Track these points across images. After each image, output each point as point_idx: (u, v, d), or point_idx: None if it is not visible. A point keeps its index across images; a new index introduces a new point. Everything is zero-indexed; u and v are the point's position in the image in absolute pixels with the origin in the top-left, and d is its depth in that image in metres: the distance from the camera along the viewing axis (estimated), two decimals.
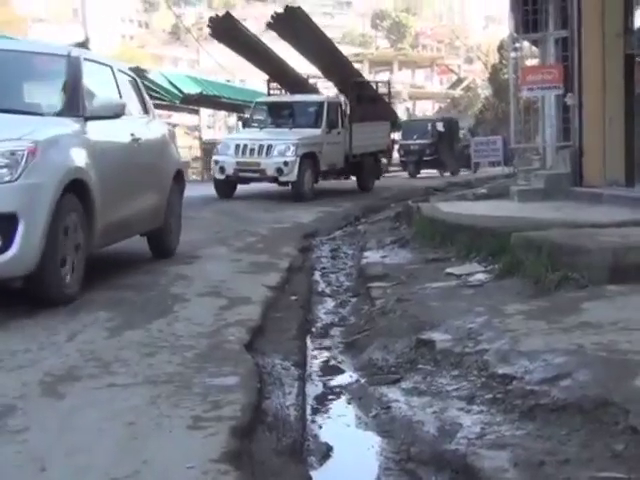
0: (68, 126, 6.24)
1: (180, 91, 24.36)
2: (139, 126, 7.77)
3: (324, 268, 9.23)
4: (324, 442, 3.80)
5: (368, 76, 61.64)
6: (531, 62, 16.54)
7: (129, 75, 8.19)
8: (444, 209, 10.67)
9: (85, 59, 6.97)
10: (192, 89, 25.26)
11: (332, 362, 5.37)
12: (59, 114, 6.38)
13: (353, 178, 21.14)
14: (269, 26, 20.13)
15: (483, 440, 3.46)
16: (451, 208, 10.83)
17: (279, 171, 16.66)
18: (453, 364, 4.59)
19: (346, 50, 70.88)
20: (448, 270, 7.47)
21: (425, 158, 29.45)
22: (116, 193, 6.76)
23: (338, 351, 5.61)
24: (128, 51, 58.78)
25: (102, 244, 6.78)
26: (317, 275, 8.78)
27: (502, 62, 40.99)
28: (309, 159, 17.24)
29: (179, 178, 8.64)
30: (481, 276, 7.05)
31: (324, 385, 4.82)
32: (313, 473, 3.45)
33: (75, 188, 5.85)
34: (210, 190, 17.26)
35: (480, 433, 3.55)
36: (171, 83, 24.15)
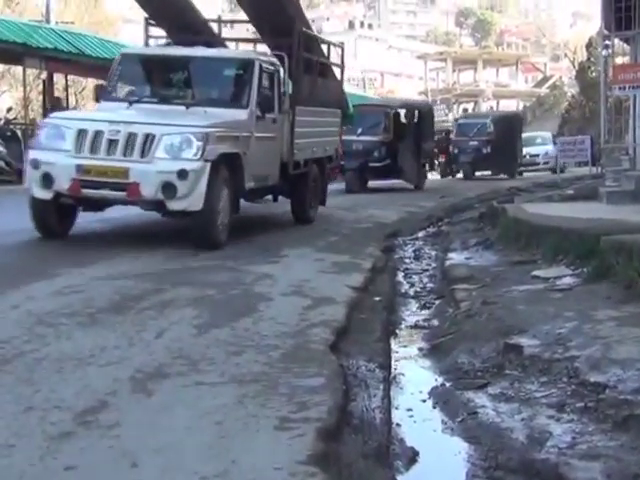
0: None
1: None
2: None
3: (407, 269, 9.18)
4: (410, 446, 3.77)
5: (451, 76, 61.51)
6: (622, 60, 16.15)
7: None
8: (529, 210, 10.50)
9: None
10: None
11: (417, 365, 5.33)
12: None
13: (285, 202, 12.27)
14: None
15: (574, 450, 3.38)
16: (537, 209, 10.65)
17: (167, 189, 8.27)
18: (542, 370, 4.50)
19: (430, 48, 70.76)
20: (534, 273, 7.34)
21: (373, 164, 20.33)
22: None
23: (423, 354, 5.57)
24: None
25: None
26: (400, 276, 8.74)
27: (590, 60, 40.18)
28: (226, 167, 8.90)
29: None
30: (569, 280, 6.89)
31: (409, 388, 4.79)
32: (399, 478, 3.43)
33: None
34: None
35: (571, 443, 3.47)
36: None
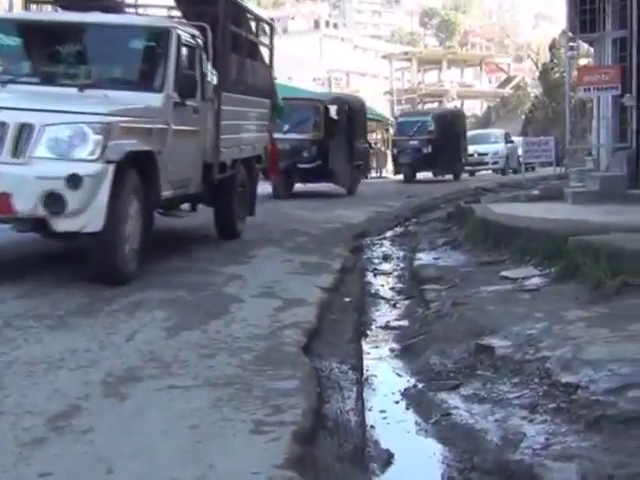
0: None
1: None
2: None
3: (376, 269, 9.20)
4: (385, 449, 3.77)
5: (416, 76, 61.85)
6: (584, 61, 16.35)
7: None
8: (496, 210, 10.56)
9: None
10: None
11: (389, 366, 5.34)
12: None
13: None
14: None
15: (549, 451, 3.41)
16: (503, 210, 10.71)
17: (52, 203, 6.14)
18: (513, 371, 4.54)
19: (395, 48, 70.98)
20: (503, 273, 7.39)
21: (302, 165, 17.68)
22: None
23: (394, 355, 5.58)
24: None
25: None
26: (369, 276, 8.75)
27: (553, 61, 40.60)
28: (136, 171, 6.85)
29: None
30: (537, 280, 6.95)
31: (382, 390, 4.79)
32: None
33: None
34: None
35: (545, 443, 3.50)
36: None
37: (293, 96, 19.34)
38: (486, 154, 30.94)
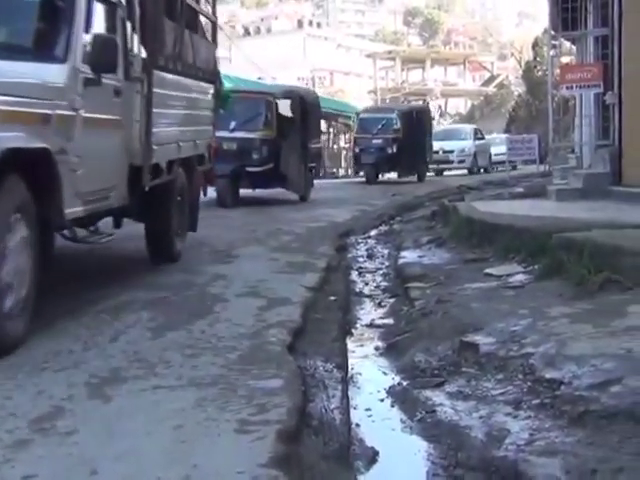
0: None
1: None
2: None
3: (361, 268, 9.21)
4: (370, 446, 3.78)
5: (400, 75, 61.98)
6: (567, 59, 16.43)
7: None
8: (481, 208, 10.59)
9: None
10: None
11: (374, 364, 5.35)
12: None
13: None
14: None
15: (533, 446, 3.42)
16: (488, 207, 10.75)
17: None
18: (498, 368, 4.55)
19: (378, 47, 70.98)
20: (487, 270, 7.41)
21: (251, 169, 15.09)
22: None
23: (379, 353, 5.59)
24: None
25: None
26: (354, 275, 8.76)
27: (536, 59, 40.72)
28: (23, 179, 4.73)
29: None
30: (521, 277, 6.98)
31: (367, 388, 4.80)
32: (361, 478, 3.44)
33: None
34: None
35: (529, 439, 3.51)
36: None
37: (241, 88, 17.25)
38: (452, 151, 28.45)
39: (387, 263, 9.52)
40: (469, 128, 31.64)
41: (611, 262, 6.13)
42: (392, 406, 4.44)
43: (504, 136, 35.00)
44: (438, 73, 65.07)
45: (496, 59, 72.02)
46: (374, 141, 23.34)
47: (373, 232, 12.75)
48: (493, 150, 30.15)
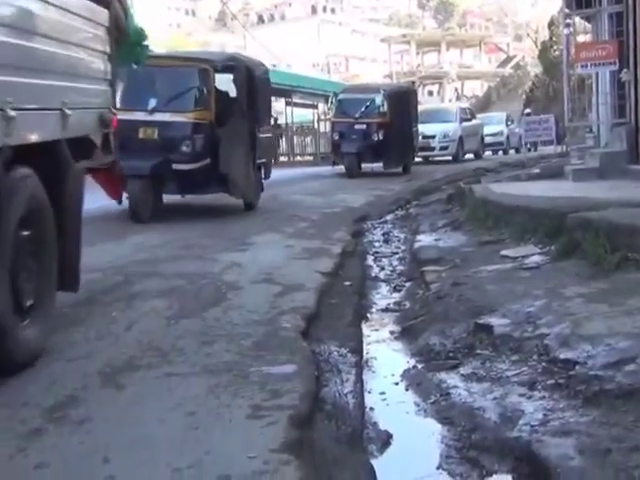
0: None
1: None
2: None
3: (377, 252, 9.19)
4: (384, 430, 3.77)
5: (415, 59, 61.65)
6: (583, 38, 16.26)
7: None
8: (497, 190, 10.54)
9: None
10: None
11: (388, 348, 5.34)
12: None
13: None
14: None
15: (547, 427, 3.40)
16: (504, 189, 10.69)
17: None
18: (512, 349, 4.53)
19: (393, 31, 70.61)
20: (503, 252, 7.37)
21: (179, 166, 10.69)
22: None
23: (394, 337, 5.57)
24: (176, 39, 59.16)
25: None
26: (370, 260, 8.74)
27: (552, 39, 40.40)
28: None
29: None
30: (537, 258, 6.93)
31: (381, 372, 4.79)
32: (374, 461, 3.42)
33: None
34: None
35: (543, 420, 3.49)
36: None
37: (165, 54, 13.34)
38: (432, 137, 24.20)
39: (403, 247, 9.49)
40: (454, 108, 27.67)
41: (628, 241, 6.07)
42: (406, 389, 4.43)
43: (498, 114, 33.28)
44: (454, 56, 64.68)
45: (512, 40, 71.47)
46: (356, 126, 19.53)
47: (389, 216, 12.71)
48: (486, 130, 27.79)
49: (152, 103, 10.73)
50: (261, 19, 76.67)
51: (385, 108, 19.75)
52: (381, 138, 19.32)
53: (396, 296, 6.88)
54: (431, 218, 11.20)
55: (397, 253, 9.16)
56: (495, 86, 58.93)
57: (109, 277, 6.49)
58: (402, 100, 21.01)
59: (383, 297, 6.87)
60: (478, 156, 26.45)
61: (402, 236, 10.40)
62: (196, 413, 3.43)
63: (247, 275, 6.73)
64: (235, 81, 11.58)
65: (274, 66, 34.74)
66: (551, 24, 41.23)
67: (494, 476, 3.26)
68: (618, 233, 6.22)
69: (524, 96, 45.74)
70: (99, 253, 7.12)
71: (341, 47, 65.49)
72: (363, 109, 19.73)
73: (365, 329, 5.80)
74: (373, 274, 7.92)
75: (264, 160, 12.89)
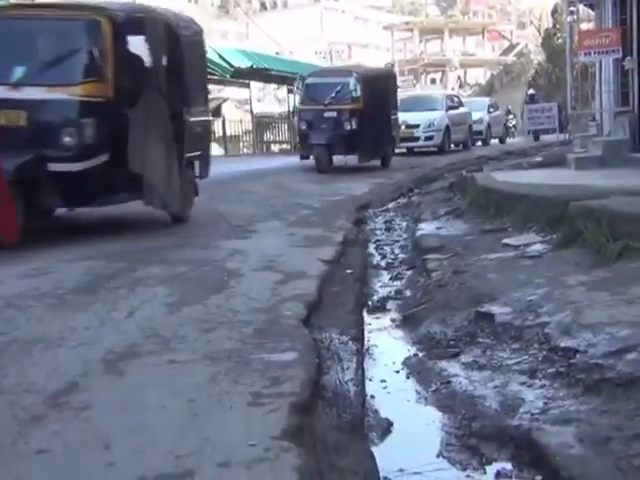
0: None
1: (230, 65, 24.34)
2: None
3: (379, 240, 9.19)
4: (384, 418, 3.78)
5: (418, 46, 61.39)
6: (587, 26, 16.20)
7: None
8: (499, 178, 10.53)
9: None
10: (242, 63, 25.20)
11: (390, 336, 5.34)
12: None
13: None
14: None
15: (547, 415, 3.41)
16: (506, 177, 10.68)
17: None
18: (513, 337, 4.53)
19: (396, 19, 70.25)
20: (505, 241, 7.37)
21: (61, 168, 7.52)
22: None
23: (395, 325, 5.58)
24: None
25: None
26: (372, 248, 8.74)
27: (556, 26, 40.23)
28: None
29: None
30: (539, 246, 6.93)
31: (382, 360, 4.80)
32: (374, 449, 3.43)
33: None
34: (262, 163, 16.55)
35: (543, 408, 3.49)
36: (222, 57, 24.12)
37: (37, 2, 10.14)
38: (417, 126, 22.28)
39: (405, 235, 9.48)
40: (440, 95, 25.78)
41: (629, 230, 6.07)
42: (407, 377, 4.44)
43: (480, 99, 31.54)
44: (457, 43, 64.37)
45: (515, 28, 71.13)
46: (326, 114, 17.22)
47: (391, 205, 12.70)
48: (474, 116, 25.76)
49: (17, 73, 7.69)
50: (264, 6, 76.34)
51: (359, 93, 17.32)
52: (354, 127, 17.05)
53: (397, 284, 6.88)
54: (433, 206, 11.19)
55: (399, 241, 9.16)
56: (498, 74, 58.73)
57: None
58: (379, 85, 18.63)
59: (384, 285, 6.87)
60: (466, 147, 24.78)
61: (404, 224, 10.39)
62: (197, 400, 3.43)
63: (249, 262, 6.73)
64: (149, 42, 8.17)
65: (277, 54, 34.66)
66: (554, 12, 41.07)
67: (494, 464, 3.26)
68: (620, 221, 6.22)
69: (527, 84, 45.57)
70: None
71: (344, 34, 65.21)
72: (334, 95, 17.36)
73: (366, 317, 5.80)
74: (375, 262, 7.92)
75: (197, 153, 9.63)
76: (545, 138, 25.97)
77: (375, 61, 58.37)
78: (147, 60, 8.17)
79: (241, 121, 30.48)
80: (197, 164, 9.76)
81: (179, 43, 9.11)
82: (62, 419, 3.23)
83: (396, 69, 52.28)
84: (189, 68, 9.33)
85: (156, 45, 8.34)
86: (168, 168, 8.42)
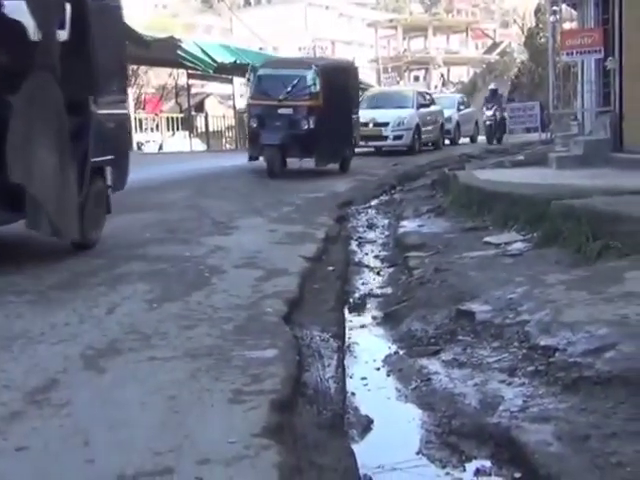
0: None
1: (214, 60, 24.24)
2: None
3: (361, 238, 9.19)
4: (365, 415, 3.79)
5: (402, 44, 61.48)
6: (569, 25, 16.26)
7: None
8: (481, 177, 10.56)
9: None
10: (226, 58, 25.09)
11: (370, 333, 5.36)
12: None
13: None
14: None
15: (526, 413, 3.43)
16: (488, 175, 10.72)
17: None
18: (493, 335, 4.55)
19: (380, 16, 70.23)
20: (486, 239, 7.41)
21: None
22: None
23: (376, 322, 5.59)
24: (161, 20, 58.66)
25: None
26: (354, 245, 8.75)
27: (539, 26, 40.36)
28: None
29: None
30: (520, 245, 6.97)
31: (363, 357, 4.81)
32: (354, 446, 3.44)
33: None
34: (244, 159, 16.08)
35: (523, 406, 3.52)
36: (205, 52, 24.03)
37: None
38: (386, 124, 20.35)
39: (387, 233, 9.50)
40: (411, 92, 23.72)
41: (610, 229, 6.12)
42: (388, 375, 4.45)
43: (450, 96, 30.32)
44: (440, 41, 64.50)
45: (499, 26, 71.32)
46: (280, 111, 14.99)
47: (374, 202, 12.70)
48: (446, 113, 24.24)
49: None
50: (248, 2, 76.18)
51: (318, 88, 15.06)
52: (312, 127, 14.83)
53: (379, 281, 6.89)
54: (415, 204, 11.20)
55: (381, 238, 9.17)
56: (481, 72, 58.85)
57: None
58: (340, 79, 16.37)
59: (366, 282, 6.88)
60: (437, 147, 22.97)
61: (386, 222, 10.40)
62: (177, 397, 3.43)
63: (230, 259, 6.72)
64: (33, 8, 6.31)
65: (261, 49, 34.60)
66: (538, 11, 41.19)
67: (473, 461, 3.28)
68: (600, 221, 6.26)
69: (509, 82, 45.73)
70: None
71: (328, 31, 65.18)
72: (290, 89, 15.07)
73: (347, 314, 5.81)
74: (356, 259, 7.93)
75: (109, 157, 7.37)
76: (525, 136, 25.81)
77: (358, 58, 58.38)
78: (33, 30, 6.46)
79: (224, 116, 30.41)
80: (109, 171, 7.38)
81: (85, 9, 6.84)
82: (42, 415, 3.22)
83: (379, 66, 52.37)
84: (99, 43, 6.97)
85: (47, 10, 6.30)
86: (63, 178, 6.18)
